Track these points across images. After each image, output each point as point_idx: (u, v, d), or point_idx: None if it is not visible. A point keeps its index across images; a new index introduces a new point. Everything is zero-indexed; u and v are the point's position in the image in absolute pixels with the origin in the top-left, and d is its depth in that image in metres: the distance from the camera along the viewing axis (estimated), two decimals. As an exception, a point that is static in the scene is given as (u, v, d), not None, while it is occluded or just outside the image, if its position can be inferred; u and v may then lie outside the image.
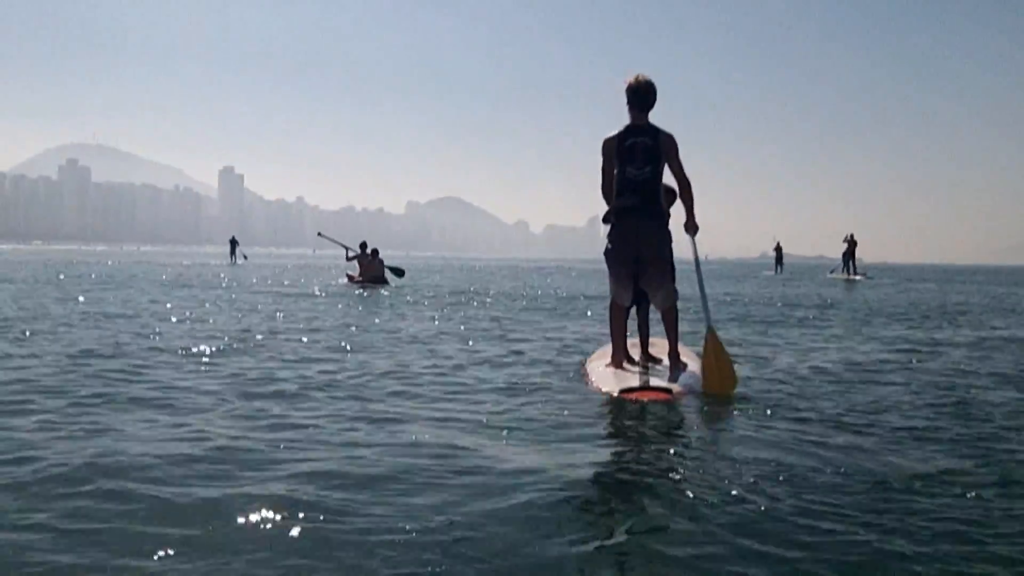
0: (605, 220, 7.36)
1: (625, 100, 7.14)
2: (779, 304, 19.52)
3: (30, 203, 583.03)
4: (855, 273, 43.09)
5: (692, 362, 7.41)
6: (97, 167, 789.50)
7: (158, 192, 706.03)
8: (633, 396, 6.33)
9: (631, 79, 7.12)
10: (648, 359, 7.77)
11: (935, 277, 55.66)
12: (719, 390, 6.73)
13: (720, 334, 7.04)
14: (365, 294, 20.62)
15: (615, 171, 7.14)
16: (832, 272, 47.24)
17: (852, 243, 42.55)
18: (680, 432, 5.49)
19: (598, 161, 7.26)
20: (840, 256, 43.76)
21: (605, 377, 7.06)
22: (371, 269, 24.47)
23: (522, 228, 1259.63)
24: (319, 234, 33.20)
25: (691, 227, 7.33)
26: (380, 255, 25.55)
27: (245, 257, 61.36)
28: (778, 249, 54.66)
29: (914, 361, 9.01)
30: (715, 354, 6.90)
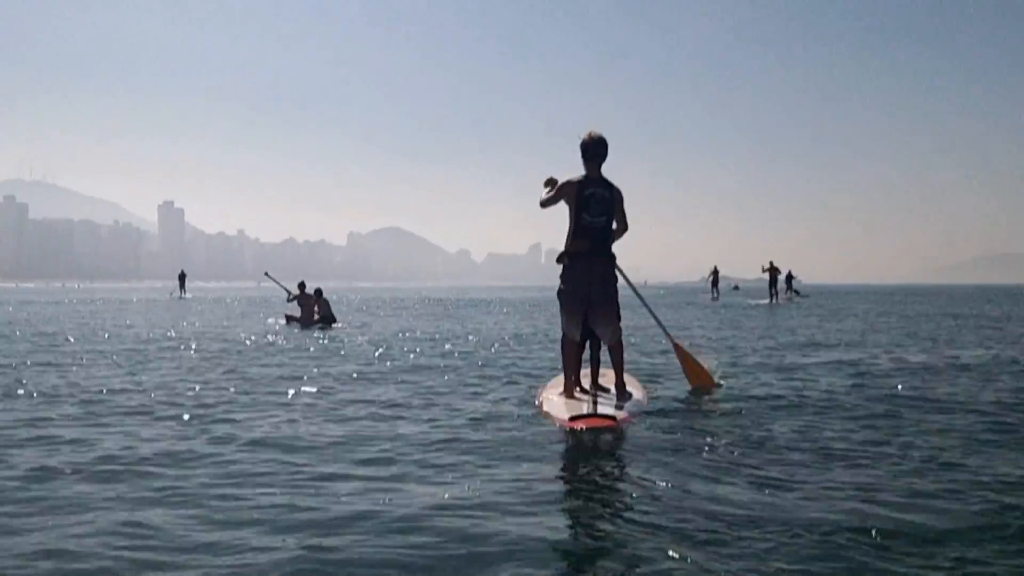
0: (559, 260, 8.01)
1: (580, 153, 7.85)
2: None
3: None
4: (778, 300, 45.18)
5: (637, 391, 8.14)
6: (35, 203, 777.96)
7: (97, 227, 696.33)
8: (580, 424, 6.82)
9: (585, 136, 7.84)
10: (598, 389, 8.32)
11: (871, 299, 57.44)
12: (705, 383, 8.67)
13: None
14: (318, 338, 18.20)
15: (572, 215, 7.79)
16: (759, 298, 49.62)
17: (773, 271, 44.81)
18: (619, 456, 5.95)
19: (539, 189, 8.08)
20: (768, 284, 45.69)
21: (557, 406, 7.57)
22: (321, 308, 23.54)
23: (464, 256, 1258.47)
24: (265, 274, 33.55)
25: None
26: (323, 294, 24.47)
27: (183, 294, 61.13)
28: (715, 273, 56.46)
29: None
30: (688, 360, 8.68)
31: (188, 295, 61.76)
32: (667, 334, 9.23)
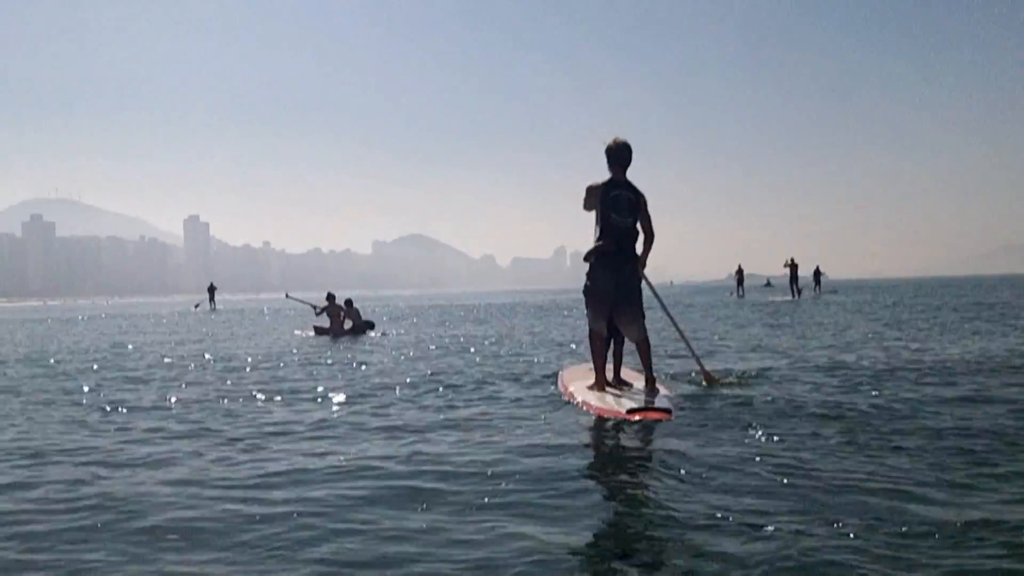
0: (586, 259, 8.22)
1: (605, 158, 8.19)
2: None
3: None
4: (799, 296, 45.59)
5: (663, 387, 8.31)
6: (61, 221, 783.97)
7: (123, 243, 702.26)
8: (638, 416, 7.07)
9: (611, 141, 8.16)
10: (620, 383, 8.56)
11: (901, 292, 57.56)
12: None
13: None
14: (353, 346, 18.01)
15: (599, 216, 8.08)
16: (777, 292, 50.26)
17: (794, 267, 45.88)
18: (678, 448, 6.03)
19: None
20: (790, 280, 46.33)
21: (602, 399, 7.83)
22: (352, 317, 23.33)
23: (489, 262, 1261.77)
24: (287, 296, 33.94)
25: (642, 264, 8.28)
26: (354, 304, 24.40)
27: (213, 307, 61.63)
28: (739, 272, 56.70)
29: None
30: (713, 378, 9.14)
31: (219, 307, 62.39)
32: (698, 362, 9.48)
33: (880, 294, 53.06)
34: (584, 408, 7.83)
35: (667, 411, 7.21)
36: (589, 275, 8.27)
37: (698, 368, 9.44)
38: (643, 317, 8.26)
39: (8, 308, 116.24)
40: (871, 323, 21.12)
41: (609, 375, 8.76)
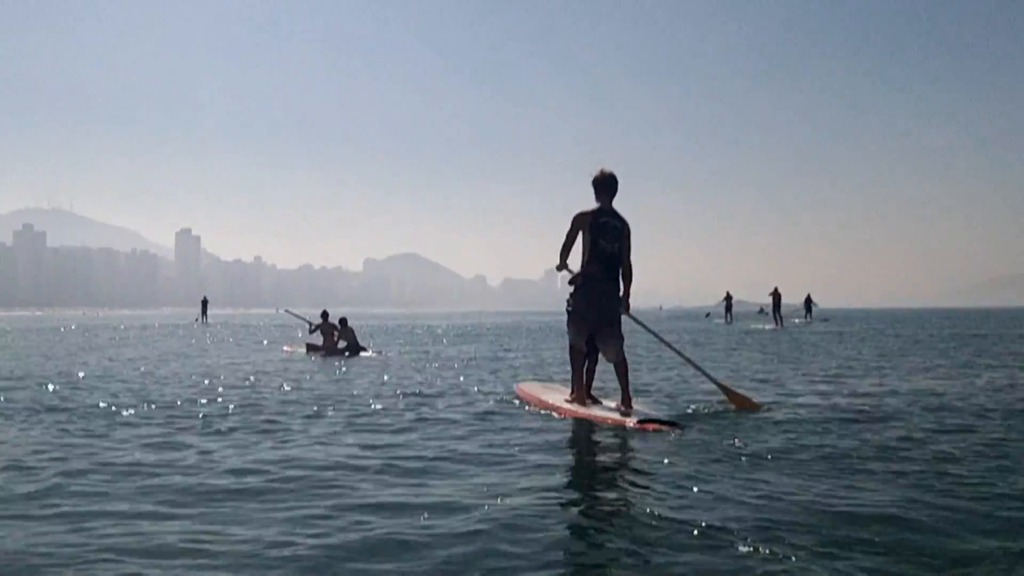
0: (572, 282, 8.77)
1: (593, 189, 8.70)
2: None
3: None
4: (782, 324, 46.53)
5: (638, 405, 8.79)
6: (53, 232, 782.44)
7: (114, 255, 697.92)
8: (651, 427, 7.60)
9: (597, 173, 8.69)
10: (591, 399, 9.11)
11: (886, 322, 58.16)
12: (749, 406, 9.10)
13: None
14: (343, 367, 17.22)
15: (587, 242, 8.56)
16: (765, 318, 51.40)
17: (777, 296, 47.68)
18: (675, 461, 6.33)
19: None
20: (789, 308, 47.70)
21: (591, 410, 8.51)
22: (347, 337, 22.72)
23: (480, 282, 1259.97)
24: (285, 311, 34.21)
25: (625, 306, 8.86)
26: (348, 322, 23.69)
27: (205, 320, 62.43)
28: (728, 299, 57.52)
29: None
30: (731, 392, 9.35)
31: (210, 321, 63.06)
32: (705, 374, 9.95)
33: (871, 323, 53.68)
34: (565, 416, 8.44)
35: (677, 424, 7.73)
36: (575, 296, 8.76)
37: (717, 389, 9.61)
38: (622, 339, 8.74)
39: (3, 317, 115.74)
40: (855, 351, 21.59)
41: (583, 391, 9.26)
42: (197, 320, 64.17)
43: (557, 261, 8.82)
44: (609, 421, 8.04)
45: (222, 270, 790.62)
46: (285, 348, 25.68)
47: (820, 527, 4.50)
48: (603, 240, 8.54)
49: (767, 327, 44.34)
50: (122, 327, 53.14)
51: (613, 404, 8.81)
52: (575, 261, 8.78)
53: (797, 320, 57.76)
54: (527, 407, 9.40)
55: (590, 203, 8.75)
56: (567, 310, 8.92)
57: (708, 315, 71.77)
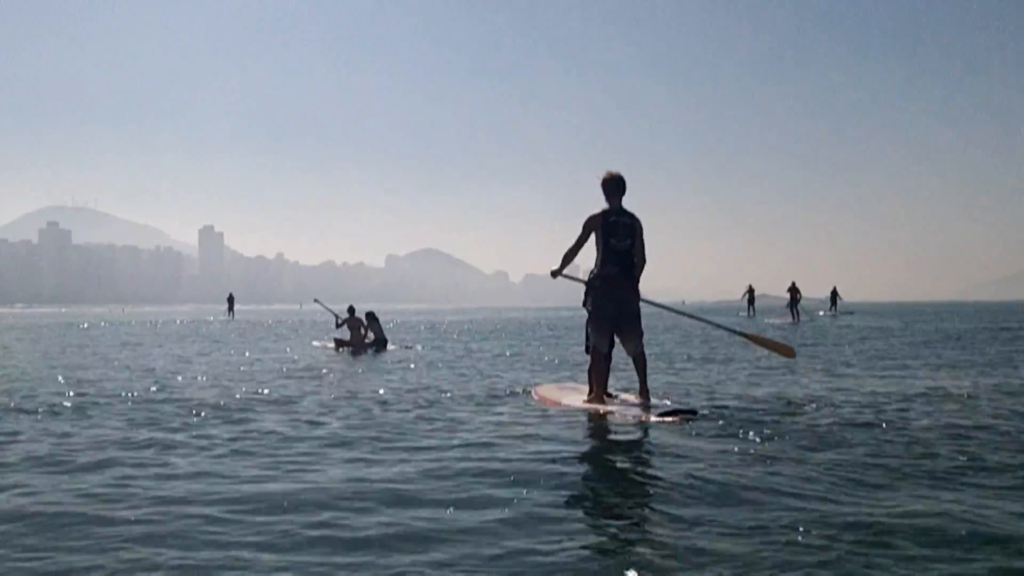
0: (590, 284, 9.28)
1: (602, 190, 9.12)
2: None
3: (10, 267, 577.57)
4: (798, 319, 47.02)
5: (655, 398, 9.41)
6: (77, 229, 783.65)
7: (138, 252, 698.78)
8: (674, 419, 8.18)
9: (605, 175, 9.08)
10: (609, 396, 9.64)
11: (911, 316, 58.58)
12: (786, 353, 9.88)
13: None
14: (371, 360, 18.40)
15: (600, 242, 8.99)
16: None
17: (794, 291, 48.48)
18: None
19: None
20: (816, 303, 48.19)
21: (613, 407, 8.95)
22: (374, 331, 22.89)
23: (501, 278, 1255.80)
24: (315, 300, 33.37)
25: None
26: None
27: (231, 316, 63.66)
28: (750, 292, 57.39)
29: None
30: (761, 339, 9.90)
31: (236, 317, 64.05)
32: (729, 329, 10.51)
33: (894, 318, 53.71)
34: (586, 415, 8.87)
35: (693, 411, 8.44)
36: (594, 298, 9.21)
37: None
38: (642, 334, 9.21)
39: (36, 314, 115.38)
40: (876, 346, 21.83)
41: (580, 393, 9.92)
42: (224, 316, 65.07)
43: (559, 264, 9.48)
44: (630, 417, 8.46)
45: (244, 267, 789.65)
46: (315, 343, 25.98)
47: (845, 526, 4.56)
48: (614, 239, 8.95)
49: (779, 321, 44.82)
50: (160, 322, 54.01)
51: (632, 399, 9.41)
52: (586, 263, 9.26)
53: (822, 313, 58.08)
54: (545, 407, 9.64)
55: (602, 203, 9.16)
56: (587, 311, 9.34)
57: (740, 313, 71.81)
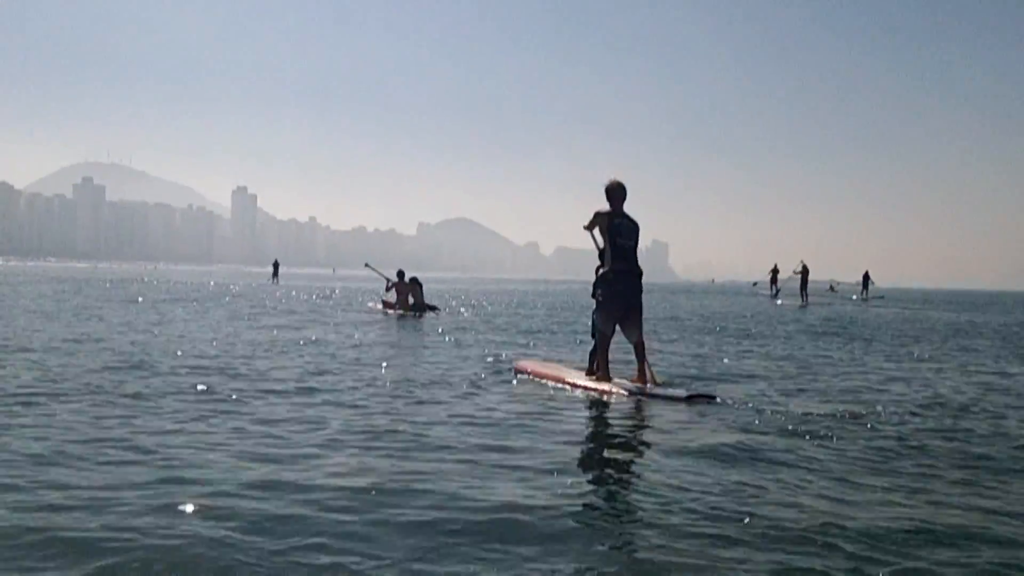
0: (603, 277, 10.24)
1: (606, 195, 10.10)
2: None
3: (44, 221, 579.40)
4: (807, 300, 47.64)
5: (659, 379, 10.37)
6: (111, 185, 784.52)
7: (171, 211, 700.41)
8: (699, 400, 9.02)
9: (608, 182, 10.11)
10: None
11: (941, 304, 59.36)
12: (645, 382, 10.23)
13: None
14: (415, 323, 20.07)
15: (608, 242, 9.99)
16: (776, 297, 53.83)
17: (805, 272, 48.67)
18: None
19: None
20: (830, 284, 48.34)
21: (615, 386, 9.86)
22: (416, 296, 23.48)
23: (532, 249, 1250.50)
24: (365, 264, 33.26)
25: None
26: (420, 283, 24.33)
27: (276, 281, 65.49)
28: (775, 271, 57.44)
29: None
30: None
31: (280, 281, 65.88)
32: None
33: (925, 305, 54.29)
34: (589, 391, 9.90)
35: (712, 396, 9.27)
36: (604, 290, 10.19)
37: None
38: (642, 325, 10.23)
39: (83, 269, 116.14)
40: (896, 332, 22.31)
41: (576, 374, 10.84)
42: (269, 281, 66.86)
43: (589, 221, 10.14)
44: (642, 399, 9.44)
45: (277, 229, 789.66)
46: (370, 304, 27.72)
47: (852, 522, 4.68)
48: (620, 239, 9.98)
49: (794, 303, 45.32)
50: (211, 284, 56.03)
51: (628, 380, 10.23)
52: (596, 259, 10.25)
53: (855, 296, 58.31)
54: (544, 382, 10.70)
55: (614, 194, 10.21)
56: (597, 300, 10.35)
57: (755, 284, 72.16)
